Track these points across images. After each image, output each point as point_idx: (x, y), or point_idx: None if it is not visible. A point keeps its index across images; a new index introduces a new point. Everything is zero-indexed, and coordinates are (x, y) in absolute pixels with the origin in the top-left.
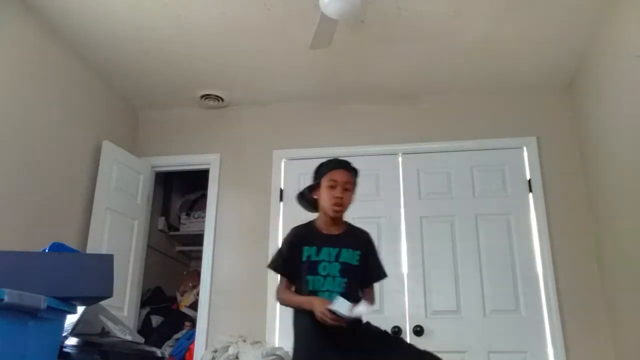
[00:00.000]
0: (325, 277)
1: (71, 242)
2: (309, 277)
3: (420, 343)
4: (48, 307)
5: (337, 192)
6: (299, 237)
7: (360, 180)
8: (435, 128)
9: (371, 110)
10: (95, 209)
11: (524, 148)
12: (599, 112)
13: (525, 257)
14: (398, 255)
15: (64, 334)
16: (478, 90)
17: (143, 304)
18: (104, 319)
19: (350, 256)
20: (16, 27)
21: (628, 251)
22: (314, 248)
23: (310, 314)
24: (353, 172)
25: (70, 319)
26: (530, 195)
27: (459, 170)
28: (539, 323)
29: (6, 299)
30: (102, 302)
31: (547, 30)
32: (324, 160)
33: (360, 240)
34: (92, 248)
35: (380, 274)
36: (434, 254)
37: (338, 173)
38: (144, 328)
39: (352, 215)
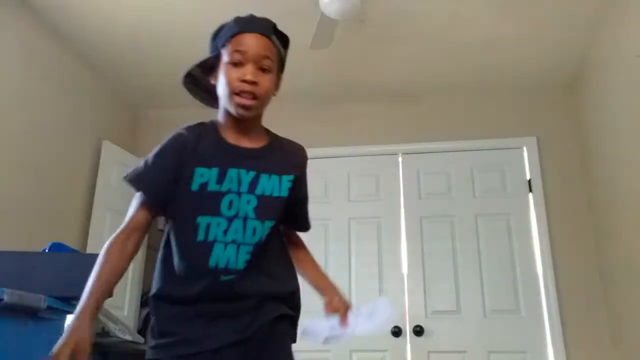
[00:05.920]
0: (231, 219)
1: (71, 242)
2: (201, 220)
3: (420, 343)
4: (48, 307)
5: (247, 72)
6: (185, 144)
7: (359, 179)
8: (435, 128)
9: (371, 110)
10: (95, 209)
11: (524, 148)
12: (599, 111)
13: (525, 257)
14: (398, 255)
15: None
16: (478, 90)
17: (143, 304)
18: (104, 319)
19: (274, 185)
20: (16, 27)
21: (628, 251)
22: (215, 170)
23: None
24: (277, 38)
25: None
26: (530, 195)
27: (459, 171)
28: (539, 323)
29: (6, 299)
30: None
31: (547, 30)
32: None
33: (293, 159)
34: (92, 248)
35: (307, 223)
36: (434, 254)
37: (249, 39)
38: (144, 328)
39: (351, 216)
